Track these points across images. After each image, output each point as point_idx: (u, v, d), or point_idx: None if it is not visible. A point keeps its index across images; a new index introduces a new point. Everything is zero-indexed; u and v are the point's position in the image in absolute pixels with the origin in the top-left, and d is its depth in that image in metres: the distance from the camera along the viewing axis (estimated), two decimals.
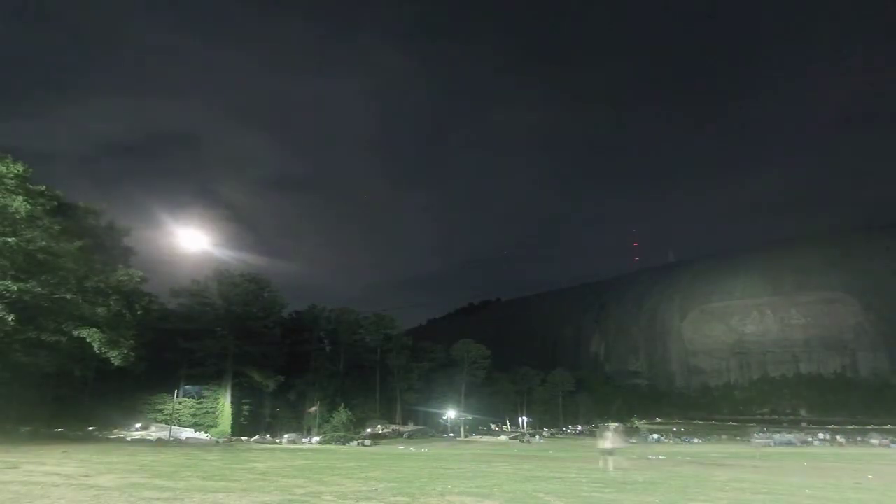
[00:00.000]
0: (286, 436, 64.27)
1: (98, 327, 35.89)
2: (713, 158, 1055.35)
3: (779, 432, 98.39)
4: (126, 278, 38.40)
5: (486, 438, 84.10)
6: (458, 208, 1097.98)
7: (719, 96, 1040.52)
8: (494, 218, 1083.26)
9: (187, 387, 61.20)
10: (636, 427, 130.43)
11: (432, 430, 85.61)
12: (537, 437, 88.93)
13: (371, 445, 57.73)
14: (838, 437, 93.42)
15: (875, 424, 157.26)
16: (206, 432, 57.19)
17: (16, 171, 31.75)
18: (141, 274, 40.00)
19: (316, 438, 63.83)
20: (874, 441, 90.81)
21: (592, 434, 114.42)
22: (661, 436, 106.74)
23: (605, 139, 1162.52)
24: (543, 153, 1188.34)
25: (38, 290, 32.69)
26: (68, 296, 34.87)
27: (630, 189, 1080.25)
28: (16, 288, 31.24)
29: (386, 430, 75.18)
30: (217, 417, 59.70)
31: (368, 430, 72.81)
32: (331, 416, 64.87)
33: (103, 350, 36.13)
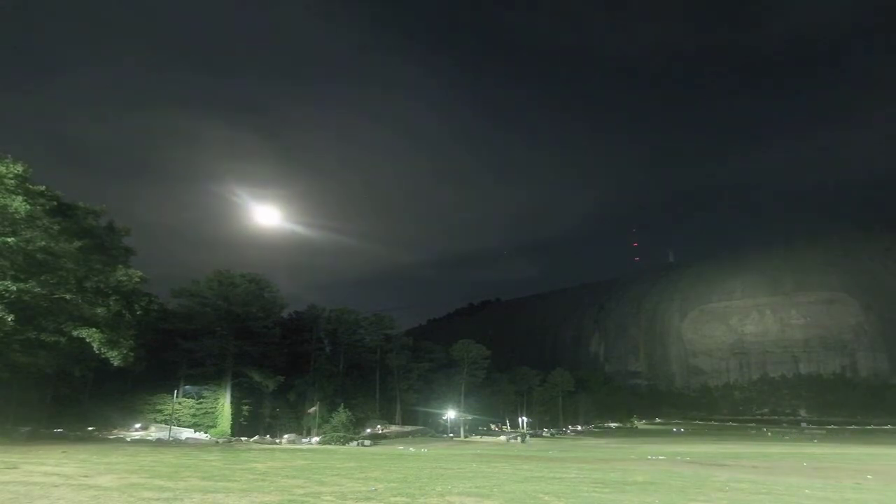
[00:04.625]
0: (286, 436, 64.25)
1: (98, 327, 35.84)
2: (714, 158, 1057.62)
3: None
4: (126, 278, 38.33)
5: (485, 439, 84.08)
6: (462, 207, 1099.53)
7: (720, 94, 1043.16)
8: (495, 217, 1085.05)
9: (187, 387, 61.12)
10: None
11: (432, 430, 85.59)
12: (527, 437, 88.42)
13: (371, 446, 57.70)
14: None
15: (875, 424, 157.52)
16: (205, 432, 57.15)
17: (16, 171, 31.70)
18: (140, 274, 39.91)
19: (315, 439, 63.81)
20: None
21: (593, 434, 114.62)
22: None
23: (605, 138, 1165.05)
24: (544, 152, 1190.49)
25: (37, 290, 32.66)
26: (68, 296, 34.84)
27: (631, 189, 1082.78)
28: (15, 288, 31.20)
29: (386, 431, 75.18)
30: (217, 417, 59.67)
31: (368, 431, 72.79)
32: (331, 417, 64.82)
33: (103, 350, 36.08)
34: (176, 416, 57.40)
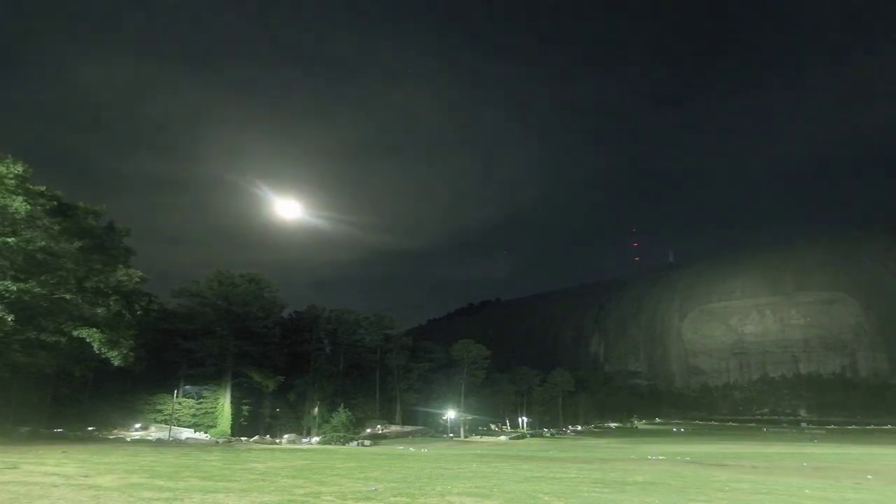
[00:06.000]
0: (286, 436, 64.26)
1: (98, 327, 35.84)
2: (714, 157, 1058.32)
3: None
4: (126, 278, 38.33)
5: (486, 439, 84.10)
6: (459, 208, 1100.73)
7: (719, 92, 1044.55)
8: (494, 217, 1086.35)
9: (187, 387, 61.14)
10: None
11: (432, 430, 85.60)
12: (526, 437, 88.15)
13: (371, 446, 57.72)
14: None
15: (875, 424, 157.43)
16: (205, 432, 57.15)
17: (16, 172, 31.67)
18: (140, 274, 39.92)
19: (316, 439, 63.83)
20: None
21: (593, 434, 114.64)
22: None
23: (606, 139, 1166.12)
24: (545, 153, 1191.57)
25: (37, 290, 32.64)
26: (68, 296, 34.84)
27: (631, 190, 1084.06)
28: (15, 288, 31.19)
29: (386, 431, 75.18)
30: (217, 417, 59.66)
31: (368, 431, 72.79)
32: (331, 416, 64.85)
33: (103, 350, 36.08)
34: (176, 416, 57.38)
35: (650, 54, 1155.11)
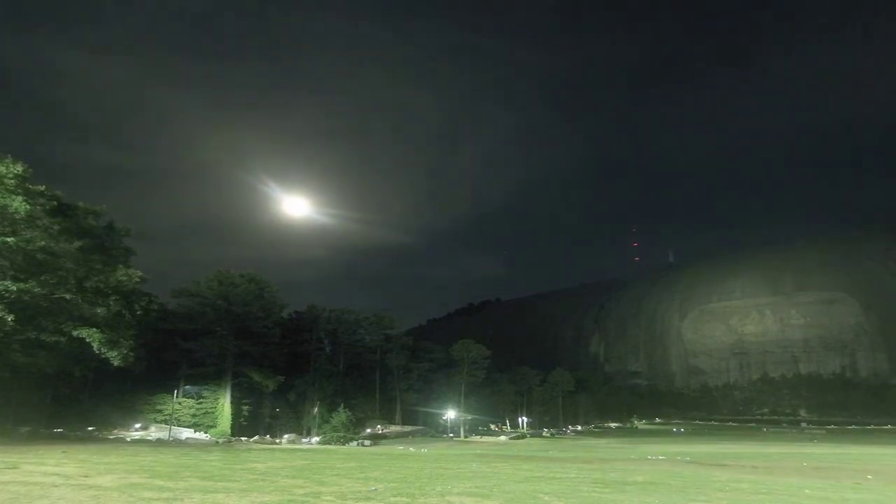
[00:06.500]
0: (286, 436, 64.26)
1: (98, 327, 35.84)
2: (713, 157, 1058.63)
3: None
4: (125, 278, 38.30)
5: (486, 439, 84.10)
6: (458, 207, 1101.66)
7: (719, 90, 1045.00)
8: (494, 216, 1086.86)
9: (187, 387, 61.12)
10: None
11: (432, 430, 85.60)
12: (526, 437, 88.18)
13: (371, 446, 57.71)
14: None
15: (875, 424, 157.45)
16: (205, 432, 57.14)
17: (15, 171, 31.66)
18: (140, 274, 39.90)
19: (315, 439, 63.83)
20: None
21: (593, 434, 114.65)
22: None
23: (607, 138, 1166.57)
24: (545, 153, 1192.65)
25: (37, 290, 32.64)
26: (68, 296, 34.83)
27: (631, 190, 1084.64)
28: (15, 288, 31.19)
29: (386, 431, 75.16)
30: (217, 417, 59.65)
31: (368, 431, 72.79)
32: (331, 417, 64.84)
33: (103, 350, 36.07)
34: (176, 416, 57.37)
35: (650, 52, 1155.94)
